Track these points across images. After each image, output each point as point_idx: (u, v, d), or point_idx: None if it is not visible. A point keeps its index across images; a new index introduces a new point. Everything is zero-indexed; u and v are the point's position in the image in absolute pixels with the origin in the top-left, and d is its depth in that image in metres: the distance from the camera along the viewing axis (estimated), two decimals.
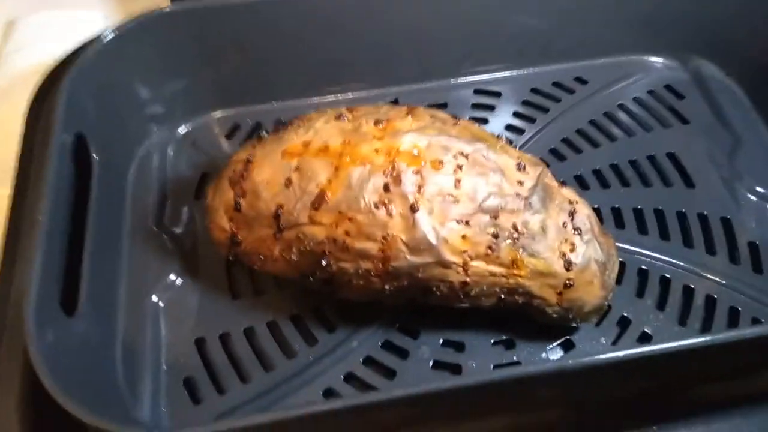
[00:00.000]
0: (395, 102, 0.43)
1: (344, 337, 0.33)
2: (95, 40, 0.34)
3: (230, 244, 0.31)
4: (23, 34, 0.51)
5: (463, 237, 0.28)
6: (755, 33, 0.41)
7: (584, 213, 0.31)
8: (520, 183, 0.30)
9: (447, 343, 0.33)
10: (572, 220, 0.30)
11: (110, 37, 0.34)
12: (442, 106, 0.43)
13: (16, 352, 0.28)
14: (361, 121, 0.30)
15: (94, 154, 0.33)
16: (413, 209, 0.28)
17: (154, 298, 0.34)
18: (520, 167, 0.30)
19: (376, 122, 0.30)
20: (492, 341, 0.33)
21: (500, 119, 0.42)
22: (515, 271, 0.29)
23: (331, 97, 0.43)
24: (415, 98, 0.43)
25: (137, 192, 0.38)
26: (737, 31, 0.42)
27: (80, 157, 0.32)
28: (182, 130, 0.41)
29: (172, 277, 0.35)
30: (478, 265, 0.29)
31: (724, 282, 0.35)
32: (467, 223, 0.28)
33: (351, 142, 0.30)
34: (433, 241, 0.28)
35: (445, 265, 0.28)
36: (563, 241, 0.30)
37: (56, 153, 0.29)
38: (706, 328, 0.33)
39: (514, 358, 0.33)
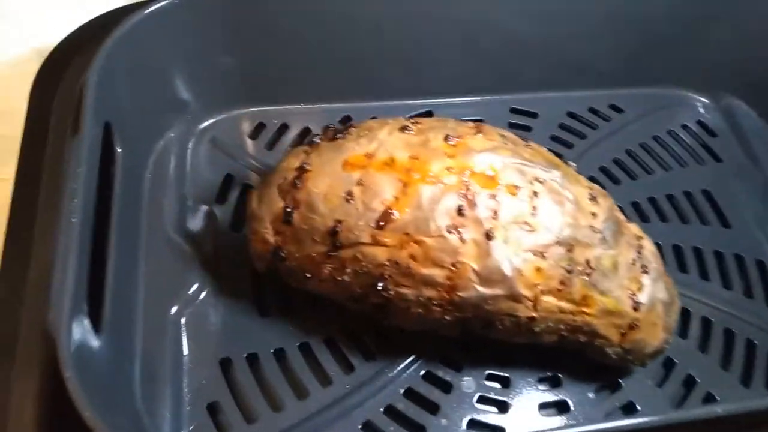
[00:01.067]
0: (428, 114, 0.41)
1: (383, 365, 0.31)
2: (126, 19, 0.31)
3: (272, 258, 0.28)
4: None
5: (538, 269, 0.27)
6: None
7: (650, 250, 0.29)
8: (594, 215, 0.28)
9: (492, 377, 0.31)
10: (640, 257, 0.29)
11: (141, 16, 0.31)
12: (478, 121, 0.41)
13: (31, 363, 0.24)
14: (428, 135, 0.28)
15: (118, 148, 0.29)
16: (488, 236, 0.26)
17: (175, 311, 0.31)
18: (593, 198, 0.29)
19: (446, 138, 0.28)
20: (538, 377, 0.31)
21: (536, 142, 0.41)
22: (584, 309, 0.27)
23: (362, 104, 0.41)
24: (450, 112, 0.41)
25: (154, 192, 0.34)
26: None
27: (105, 149, 0.29)
28: (203, 125, 0.38)
29: (194, 288, 0.32)
30: (548, 300, 0.27)
31: (763, 326, 0.34)
32: (543, 254, 0.27)
33: (420, 157, 0.27)
34: (508, 272, 0.26)
35: (516, 298, 0.26)
36: (632, 279, 0.28)
37: (88, 146, 0.25)
38: (747, 376, 0.33)
39: (561, 396, 0.31)
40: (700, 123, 0.43)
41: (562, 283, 0.27)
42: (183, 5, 0.32)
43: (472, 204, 0.26)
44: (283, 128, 0.39)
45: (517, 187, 0.27)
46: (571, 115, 0.43)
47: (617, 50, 0.42)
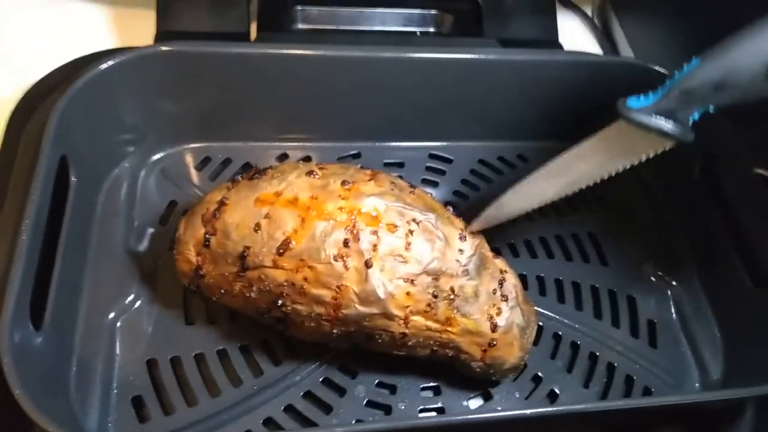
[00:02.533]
0: (357, 155, 0.47)
1: (288, 371, 0.36)
2: (90, 68, 0.37)
3: (194, 275, 0.34)
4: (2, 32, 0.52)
5: (407, 294, 0.32)
6: None
7: (511, 282, 0.35)
8: (461, 251, 0.34)
9: (381, 385, 0.37)
10: (501, 287, 0.35)
11: (105, 66, 0.37)
12: (400, 165, 0.47)
13: None
14: (329, 179, 0.34)
15: (72, 177, 0.35)
16: (367, 265, 0.32)
17: (112, 317, 0.36)
18: (462, 237, 0.34)
19: (343, 183, 0.34)
20: (421, 386, 0.37)
21: (450, 184, 0.47)
22: (448, 328, 0.33)
23: (298, 144, 0.47)
24: (376, 154, 0.47)
25: (106, 213, 0.40)
26: None
27: (60, 178, 0.34)
28: (155, 157, 0.43)
29: (131, 298, 0.37)
30: (417, 319, 0.33)
31: (623, 352, 0.40)
32: (412, 282, 0.32)
33: (318, 197, 0.33)
34: (382, 294, 0.32)
35: (389, 317, 0.32)
36: (492, 305, 0.34)
37: (43, 175, 0.31)
38: (605, 392, 0.38)
39: (439, 403, 0.37)
40: None
41: (428, 305, 0.33)
42: (135, 61, 0.38)
43: (357, 238, 0.32)
44: (227, 162, 0.45)
45: (395, 226, 0.33)
46: (482, 162, 0.49)
47: (527, 107, 0.49)
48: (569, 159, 0.36)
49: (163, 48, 0.39)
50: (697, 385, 0.40)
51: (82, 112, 0.36)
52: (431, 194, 0.37)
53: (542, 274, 0.43)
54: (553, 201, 0.37)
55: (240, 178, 0.35)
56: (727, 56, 0.29)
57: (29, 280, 0.29)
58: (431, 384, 0.37)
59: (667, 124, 0.31)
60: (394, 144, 0.48)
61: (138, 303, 0.37)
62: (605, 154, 0.35)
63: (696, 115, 0.31)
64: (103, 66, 0.37)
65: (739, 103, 0.30)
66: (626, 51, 0.60)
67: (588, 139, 0.35)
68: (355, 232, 0.32)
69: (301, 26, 0.54)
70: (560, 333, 0.40)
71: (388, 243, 0.32)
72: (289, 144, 0.47)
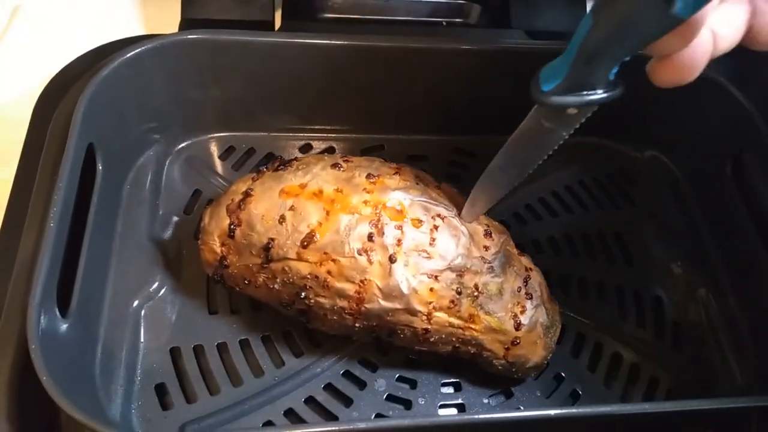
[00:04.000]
0: (381, 147, 0.47)
1: (309, 362, 0.36)
2: (116, 55, 0.37)
3: (218, 265, 0.34)
4: (28, 22, 0.53)
5: (431, 290, 0.32)
6: (709, 136, 0.46)
7: (536, 280, 0.35)
8: (486, 248, 0.34)
9: (402, 379, 0.37)
10: (526, 285, 0.34)
11: (131, 54, 0.37)
12: (423, 158, 0.47)
13: (9, 337, 0.30)
14: (354, 172, 0.34)
15: (99, 165, 0.35)
16: (391, 260, 0.32)
17: (137, 304, 0.36)
18: (487, 233, 0.34)
19: (368, 176, 0.34)
20: (442, 382, 0.37)
21: (473, 179, 0.46)
22: (471, 325, 0.33)
23: (321, 135, 0.46)
24: (400, 147, 0.47)
25: (131, 201, 0.40)
26: (693, 131, 0.47)
27: (87, 166, 0.34)
28: (180, 146, 0.44)
29: (155, 286, 0.37)
30: (440, 315, 0.32)
31: (648, 353, 0.39)
32: (436, 278, 0.32)
33: (343, 190, 0.33)
34: (405, 290, 0.32)
35: (412, 312, 0.32)
36: (516, 303, 0.34)
37: (70, 163, 0.31)
38: (628, 392, 0.38)
39: (460, 400, 0.36)
40: (622, 171, 0.49)
41: (452, 302, 0.32)
42: (161, 49, 0.38)
43: (381, 232, 0.32)
44: (251, 152, 0.45)
45: (420, 221, 0.33)
46: None
47: None
48: (514, 146, 0.35)
49: (190, 36, 0.38)
50: (722, 389, 0.39)
51: (108, 100, 0.36)
52: (456, 189, 0.37)
53: (567, 273, 0.42)
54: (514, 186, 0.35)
55: (265, 169, 0.35)
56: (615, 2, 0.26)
57: (56, 267, 0.30)
58: (452, 380, 0.37)
59: (587, 96, 0.29)
60: (418, 137, 0.48)
61: (162, 291, 0.37)
62: (542, 134, 0.33)
63: (614, 70, 0.28)
64: (130, 53, 0.37)
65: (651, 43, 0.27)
66: None
67: (522, 124, 0.34)
68: (379, 226, 0.32)
69: (327, 15, 0.53)
70: (584, 332, 0.40)
71: (412, 238, 0.32)
72: (312, 134, 0.46)
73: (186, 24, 0.48)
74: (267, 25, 0.49)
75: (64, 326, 0.30)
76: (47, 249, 0.29)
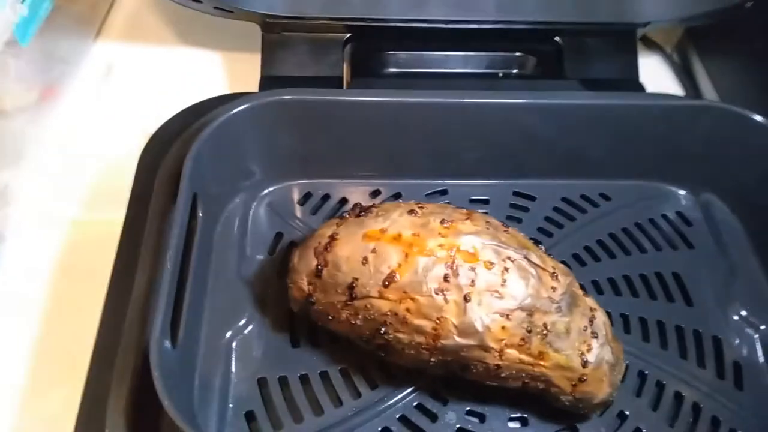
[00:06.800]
0: (444, 192, 0.50)
1: (384, 395, 0.39)
2: (219, 113, 0.41)
3: (305, 302, 0.38)
4: (122, 78, 0.59)
5: (503, 328, 0.35)
6: (762, 179, 0.47)
7: (601, 320, 0.37)
8: (554, 289, 0.36)
9: (471, 413, 0.39)
10: (591, 325, 0.36)
11: (234, 112, 0.42)
12: (485, 201, 0.50)
13: (128, 369, 0.34)
14: (429, 218, 0.37)
15: (200, 212, 0.40)
16: (466, 299, 0.34)
17: (228, 337, 0.40)
18: (554, 276, 0.36)
19: (442, 221, 0.37)
20: (510, 416, 0.39)
21: (533, 221, 0.49)
22: (541, 362, 0.35)
23: (389, 181, 0.50)
24: (463, 191, 0.50)
25: (222, 243, 0.44)
26: (746, 174, 0.49)
27: (191, 213, 0.39)
28: (264, 192, 0.48)
29: (244, 321, 0.41)
30: (511, 352, 0.35)
31: (709, 393, 0.41)
32: (508, 317, 0.35)
33: (420, 235, 0.36)
34: (479, 327, 0.34)
35: (486, 348, 0.34)
36: (582, 342, 0.36)
37: (181, 211, 0.36)
38: None
39: None
40: (678, 214, 0.50)
41: (522, 339, 0.35)
42: (259, 107, 0.42)
43: (456, 273, 0.35)
44: (326, 197, 0.49)
45: (492, 263, 0.35)
46: (565, 200, 0.50)
47: (610, 146, 0.50)
48: None
49: (284, 96, 0.43)
50: None
51: (209, 155, 0.41)
52: (522, 234, 0.39)
53: (627, 313, 0.44)
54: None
55: (347, 215, 0.39)
56: None
57: (171, 303, 0.34)
58: (519, 415, 0.39)
59: None
60: (478, 181, 0.51)
61: (250, 326, 0.41)
62: None
63: None
64: (229, 113, 0.41)
65: None
66: (707, 88, 0.61)
67: None
68: (454, 267, 0.35)
69: (390, 70, 0.58)
70: (645, 371, 0.41)
71: (485, 279, 0.35)
72: (381, 180, 0.50)
73: (266, 81, 0.53)
74: (337, 81, 0.54)
75: (173, 357, 0.34)
76: (165, 288, 0.33)
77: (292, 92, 0.43)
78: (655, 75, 0.63)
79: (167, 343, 0.33)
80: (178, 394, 0.34)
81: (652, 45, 0.65)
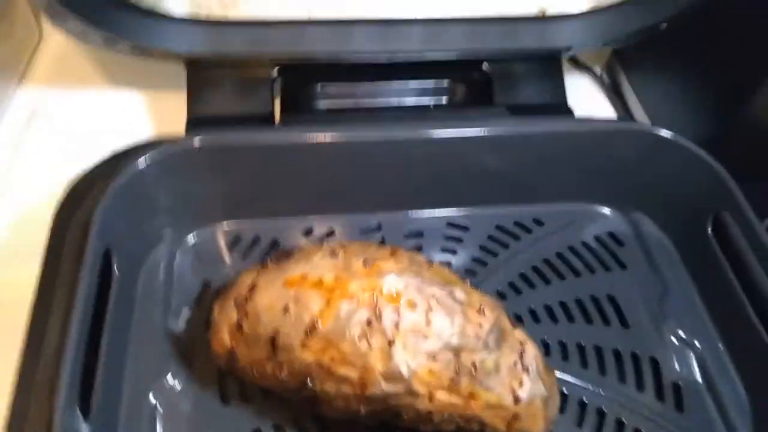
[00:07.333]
0: (378, 228, 0.49)
1: None
2: (127, 167, 0.40)
3: (228, 357, 0.36)
4: (44, 126, 0.56)
5: (430, 371, 0.34)
6: (687, 197, 0.48)
7: (531, 354, 0.36)
8: (480, 325, 0.35)
9: None
10: (522, 359, 0.36)
11: (142, 165, 0.40)
12: (419, 234, 0.49)
13: None
14: (351, 259, 0.36)
15: (115, 268, 0.38)
16: (390, 344, 0.33)
17: (152, 399, 0.38)
18: (480, 311, 0.36)
19: (364, 262, 0.36)
20: None
21: (467, 251, 0.49)
22: (472, 403, 0.34)
23: (322, 216, 0.49)
24: (396, 225, 0.49)
25: (144, 296, 0.42)
26: (673, 192, 0.50)
27: (104, 269, 0.37)
28: (188, 238, 0.46)
29: (170, 379, 0.39)
30: (441, 395, 0.34)
31: (650, 417, 0.40)
32: (434, 358, 0.34)
33: (342, 278, 0.35)
34: (405, 372, 0.33)
35: (414, 394, 0.33)
36: (513, 378, 0.35)
37: (88, 269, 0.34)
38: None
39: None
40: (609, 234, 0.51)
41: (451, 380, 0.34)
42: (170, 156, 0.41)
43: (379, 317, 0.34)
44: (256, 239, 0.47)
45: (415, 302, 0.35)
46: (499, 227, 0.50)
47: (540, 171, 0.51)
48: None
49: (196, 142, 0.42)
50: None
51: (121, 206, 0.39)
52: (450, 265, 0.39)
53: (564, 340, 0.44)
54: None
55: (269, 261, 0.37)
56: None
57: (78, 369, 0.32)
58: None
59: None
60: (413, 215, 0.50)
61: (176, 384, 0.39)
62: None
63: None
64: (141, 165, 0.40)
65: None
66: (636, 108, 0.62)
67: None
68: (377, 311, 0.34)
69: (321, 104, 0.57)
70: (585, 400, 0.41)
71: (409, 320, 0.34)
72: (313, 216, 0.49)
73: (193, 122, 0.52)
74: (267, 117, 0.53)
75: (86, 429, 0.32)
76: (71, 352, 0.31)
77: (206, 137, 0.42)
78: (586, 96, 0.64)
79: (77, 415, 0.31)
80: None
81: (581, 66, 0.67)
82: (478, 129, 0.47)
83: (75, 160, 0.48)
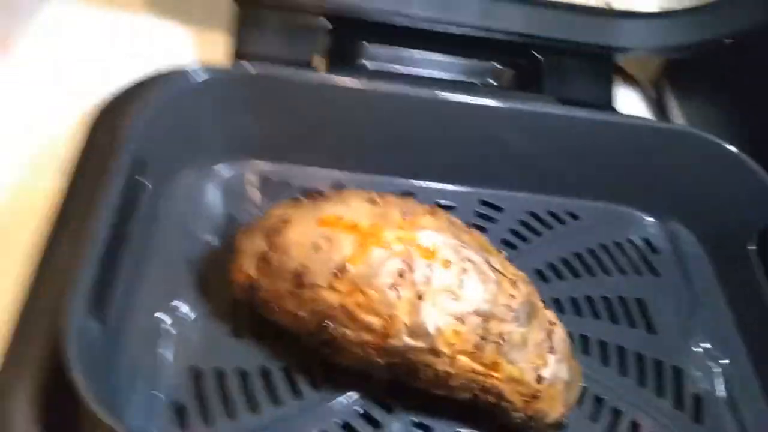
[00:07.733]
0: (410, 194, 0.48)
1: (327, 397, 0.36)
2: (181, 78, 0.39)
3: (249, 288, 0.35)
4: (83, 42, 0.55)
5: (456, 332, 0.32)
6: (732, 209, 0.47)
7: (560, 336, 0.35)
8: (512, 296, 0.34)
9: (417, 425, 0.36)
10: (549, 339, 0.34)
11: (195, 80, 0.39)
12: (451, 208, 0.48)
13: (42, 350, 0.30)
14: (390, 209, 0.35)
15: (145, 181, 0.37)
16: (419, 297, 0.32)
17: (162, 320, 0.37)
18: (514, 284, 0.34)
19: (403, 213, 0.35)
20: (457, 430, 0.36)
21: (498, 232, 0.47)
22: (493, 373, 0.33)
23: (353, 174, 0.48)
24: (428, 195, 0.48)
25: (166, 220, 0.41)
26: (716, 204, 0.48)
27: (132, 180, 0.36)
28: (218, 168, 0.45)
29: (182, 305, 0.38)
30: (463, 359, 0.32)
31: (667, 424, 0.39)
32: (462, 321, 0.32)
33: (378, 225, 0.34)
34: (431, 329, 0.32)
35: (436, 353, 0.32)
36: (538, 356, 0.34)
37: (116, 177, 0.33)
38: None
39: None
40: (645, 240, 0.49)
41: (475, 347, 0.32)
42: (222, 79, 0.40)
43: (411, 269, 0.32)
44: (285, 182, 0.46)
45: (450, 262, 0.33)
46: (532, 214, 0.49)
47: (582, 165, 0.49)
48: None
49: (250, 70, 0.41)
50: None
51: (164, 118, 0.38)
52: (485, 238, 0.37)
53: (587, 334, 0.42)
54: None
55: (303, 198, 0.36)
56: None
57: (94, 277, 0.30)
58: (468, 430, 0.36)
59: None
60: (446, 187, 0.49)
61: (188, 311, 0.38)
62: None
63: None
64: (194, 78, 0.39)
65: None
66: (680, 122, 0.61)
67: None
68: (410, 263, 0.33)
69: (367, 64, 0.56)
70: (602, 397, 0.39)
71: (441, 278, 0.33)
72: (344, 173, 0.48)
73: (238, 58, 0.51)
74: (311, 68, 0.52)
75: (97, 336, 0.30)
76: (94, 253, 0.29)
77: (260, 66, 0.41)
78: (630, 109, 0.62)
79: (91, 320, 0.30)
80: (98, 380, 0.30)
81: (628, 78, 0.65)
82: (528, 105, 0.46)
83: (109, 79, 0.47)
